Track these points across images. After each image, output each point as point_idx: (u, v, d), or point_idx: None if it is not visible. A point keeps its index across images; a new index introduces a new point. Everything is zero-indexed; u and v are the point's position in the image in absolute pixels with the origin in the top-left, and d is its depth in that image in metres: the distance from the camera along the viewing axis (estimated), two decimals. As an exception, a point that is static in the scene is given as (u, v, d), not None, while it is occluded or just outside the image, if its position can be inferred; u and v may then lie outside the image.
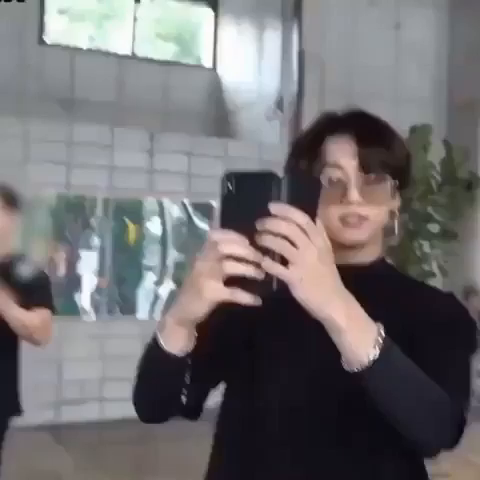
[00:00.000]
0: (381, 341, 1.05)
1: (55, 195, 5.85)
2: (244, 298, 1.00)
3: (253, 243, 0.97)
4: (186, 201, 6.31)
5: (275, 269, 0.97)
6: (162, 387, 1.24)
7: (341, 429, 1.24)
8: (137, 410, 1.30)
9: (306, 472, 1.24)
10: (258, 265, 0.97)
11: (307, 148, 1.35)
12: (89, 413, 5.73)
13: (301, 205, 0.97)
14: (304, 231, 0.97)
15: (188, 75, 8.53)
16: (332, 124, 1.36)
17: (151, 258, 6.15)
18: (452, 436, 1.18)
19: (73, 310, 5.85)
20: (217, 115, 8.35)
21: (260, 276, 0.98)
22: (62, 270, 5.85)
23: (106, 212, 6.02)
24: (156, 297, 6.15)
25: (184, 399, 1.25)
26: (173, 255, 6.22)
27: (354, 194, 1.28)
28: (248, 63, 8.24)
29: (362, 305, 1.10)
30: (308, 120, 1.44)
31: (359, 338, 1.04)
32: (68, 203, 5.88)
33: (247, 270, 0.98)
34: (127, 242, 6.07)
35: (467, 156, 6.20)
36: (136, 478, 4.76)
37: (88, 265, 5.96)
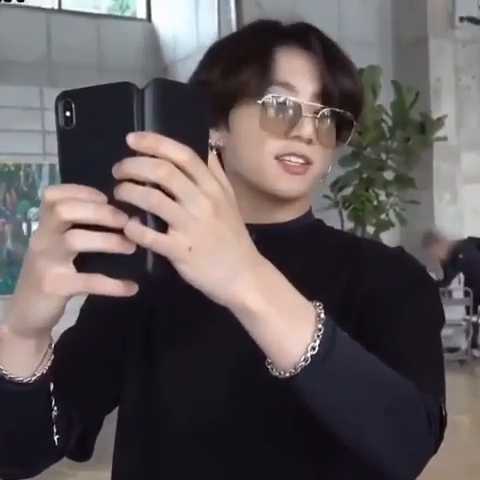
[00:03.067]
0: (321, 328, 0.72)
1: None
2: (107, 287, 0.63)
3: (114, 199, 0.61)
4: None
5: (146, 237, 0.60)
6: (14, 429, 0.86)
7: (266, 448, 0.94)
8: None
9: None
10: (123, 233, 0.61)
11: (244, 58, 0.98)
12: None
13: (180, 131, 0.61)
14: (187, 173, 0.61)
15: (122, 28, 8.11)
16: (280, 32, 1.01)
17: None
18: (430, 445, 0.85)
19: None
20: (155, 69, 7.98)
21: (128, 250, 0.61)
22: (2, 244, 5.51)
23: (43, 180, 5.65)
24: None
25: (56, 438, 0.87)
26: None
27: (308, 128, 0.97)
28: (184, 12, 7.87)
29: (289, 279, 0.74)
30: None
31: (287, 327, 0.70)
32: (0, 173, 5.50)
33: (105, 243, 0.62)
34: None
35: (418, 96, 6.00)
36: None
37: (28, 238, 5.63)
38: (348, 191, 5.75)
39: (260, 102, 0.98)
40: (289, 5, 6.53)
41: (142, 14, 8.50)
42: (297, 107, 0.98)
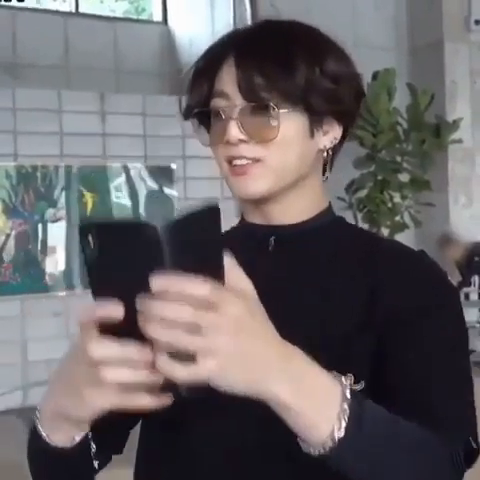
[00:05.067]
0: (346, 408, 0.76)
1: (3, 167, 5.50)
2: (142, 402, 0.71)
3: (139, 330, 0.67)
4: (144, 165, 6.01)
5: (176, 373, 0.67)
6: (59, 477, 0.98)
7: None
8: None
9: None
10: (153, 364, 0.68)
11: (198, 75, 1.07)
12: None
13: (197, 260, 0.66)
14: (210, 303, 0.67)
15: (138, 31, 8.15)
16: (231, 45, 1.08)
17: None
18: None
19: (33, 288, 5.57)
20: (171, 71, 8.02)
21: (157, 381, 0.70)
22: (18, 246, 5.55)
23: (60, 182, 5.70)
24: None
25: (96, 464, 0.98)
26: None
27: (231, 129, 0.99)
28: (200, 14, 7.90)
29: (299, 285, 0.84)
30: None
31: (316, 412, 0.75)
32: (19, 174, 5.55)
33: (136, 376, 0.69)
34: (85, 212, 5.78)
35: (433, 99, 5.99)
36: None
37: (45, 239, 5.67)
38: (363, 193, 5.76)
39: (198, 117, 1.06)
40: (303, 8, 6.55)
41: (158, 17, 8.54)
42: (219, 112, 1.02)
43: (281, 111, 0.99)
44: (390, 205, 5.62)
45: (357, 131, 5.56)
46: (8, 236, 5.52)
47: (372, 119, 5.58)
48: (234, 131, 1.00)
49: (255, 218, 1.08)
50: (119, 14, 8.57)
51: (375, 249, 1.08)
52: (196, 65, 1.10)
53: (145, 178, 5.95)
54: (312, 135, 1.03)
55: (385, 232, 5.64)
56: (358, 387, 0.94)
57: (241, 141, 0.99)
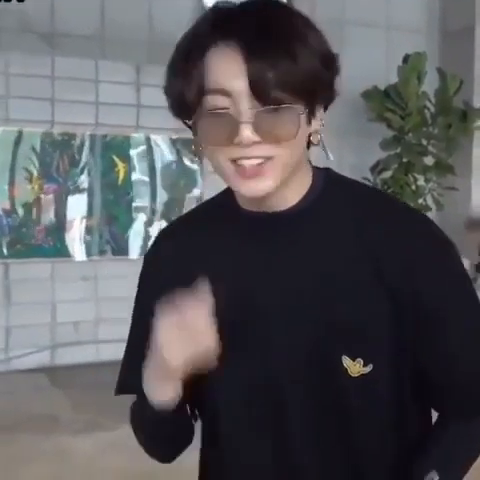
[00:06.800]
0: None
1: (40, 133, 5.67)
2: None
3: None
4: (174, 137, 6.14)
5: None
6: (174, 442, 1.20)
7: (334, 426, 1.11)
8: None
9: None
10: None
11: (179, 68, 0.95)
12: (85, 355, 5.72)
13: None
14: None
15: (172, 3, 8.24)
16: (216, 25, 0.92)
17: (141, 197, 6.02)
18: None
19: (64, 252, 5.76)
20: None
21: None
22: (51, 210, 5.74)
23: (94, 150, 5.86)
24: (147, 237, 6.03)
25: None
26: (162, 195, 6.09)
27: (244, 134, 0.90)
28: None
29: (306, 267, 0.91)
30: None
31: None
32: (54, 141, 5.72)
33: None
34: (116, 181, 5.94)
35: (462, 85, 6.05)
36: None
37: (77, 205, 5.84)
38: (388, 174, 5.86)
39: (195, 116, 0.95)
40: (340, -10, 6.62)
41: (193, -9, 8.60)
42: (229, 116, 0.91)
43: (301, 113, 0.93)
44: (414, 187, 5.72)
45: (385, 113, 5.66)
46: (42, 201, 5.70)
47: (401, 102, 5.66)
48: (247, 134, 0.91)
49: (249, 205, 1.05)
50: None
51: (373, 220, 1.06)
52: (179, 52, 0.96)
53: (170, 149, 6.06)
54: (310, 124, 0.98)
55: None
56: (367, 369, 0.99)
57: (254, 142, 0.92)
